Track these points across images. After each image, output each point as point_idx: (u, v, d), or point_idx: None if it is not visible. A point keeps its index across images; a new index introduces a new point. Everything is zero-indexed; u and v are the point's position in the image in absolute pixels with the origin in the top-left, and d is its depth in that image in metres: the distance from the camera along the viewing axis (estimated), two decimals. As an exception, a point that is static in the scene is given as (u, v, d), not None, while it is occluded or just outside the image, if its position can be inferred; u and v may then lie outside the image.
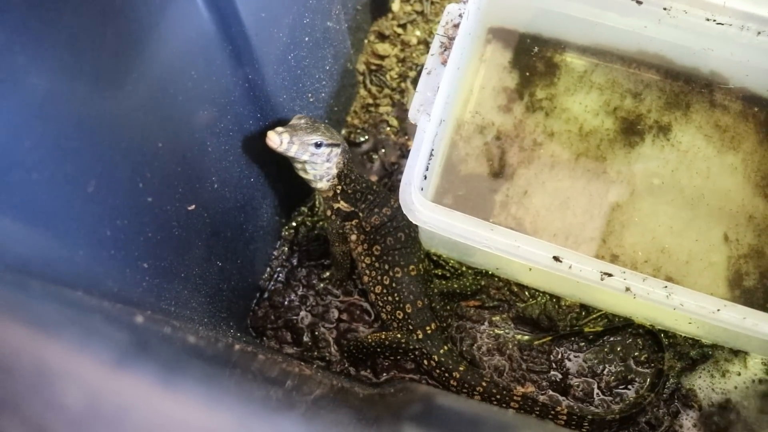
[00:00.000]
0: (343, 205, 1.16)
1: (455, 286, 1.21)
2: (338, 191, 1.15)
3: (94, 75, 0.70)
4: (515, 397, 1.10)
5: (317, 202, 1.31)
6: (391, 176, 1.32)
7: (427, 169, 1.07)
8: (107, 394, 0.36)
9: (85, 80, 0.69)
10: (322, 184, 1.14)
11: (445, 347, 1.13)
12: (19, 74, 0.60)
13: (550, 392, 1.16)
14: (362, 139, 1.35)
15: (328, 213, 1.18)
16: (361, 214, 1.16)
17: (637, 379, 1.16)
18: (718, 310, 0.97)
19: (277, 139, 1.03)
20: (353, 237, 1.17)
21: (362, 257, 1.17)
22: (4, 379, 0.35)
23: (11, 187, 0.64)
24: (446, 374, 1.12)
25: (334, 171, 1.13)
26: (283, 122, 1.08)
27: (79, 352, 0.38)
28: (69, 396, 0.35)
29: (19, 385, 0.35)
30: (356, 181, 1.16)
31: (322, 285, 1.26)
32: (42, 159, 0.66)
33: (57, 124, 0.67)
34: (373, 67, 1.41)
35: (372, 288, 1.16)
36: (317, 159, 1.09)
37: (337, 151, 1.11)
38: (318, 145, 1.08)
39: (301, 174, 1.13)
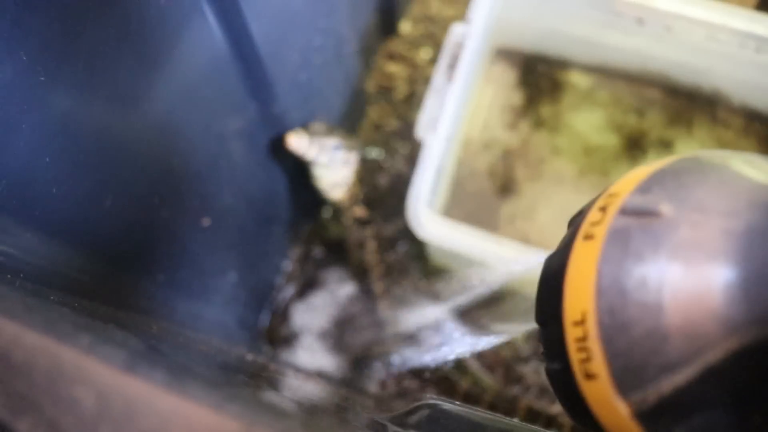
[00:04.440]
0: (359, 211, 1.17)
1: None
2: (355, 196, 1.17)
3: (111, 94, 0.72)
4: (519, 410, 1.11)
5: (329, 215, 1.33)
6: (401, 193, 1.34)
7: (434, 186, 1.09)
8: (117, 394, 0.37)
9: (103, 99, 0.71)
10: (339, 192, 1.16)
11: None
12: (40, 93, 0.63)
13: (555, 406, 1.17)
14: (372, 156, 1.37)
15: (344, 220, 1.19)
16: (376, 223, 1.17)
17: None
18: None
19: (296, 140, 1.05)
20: (369, 246, 1.19)
21: (376, 266, 1.19)
22: (21, 379, 0.37)
23: (32, 202, 0.66)
24: (452, 386, 1.13)
25: (352, 177, 1.15)
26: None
27: (92, 355, 0.40)
28: (81, 396, 0.37)
29: (34, 385, 0.37)
30: (373, 189, 1.18)
31: (334, 295, 1.27)
32: (61, 174, 0.68)
33: (76, 141, 0.69)
34: (383, 87, 1.44)
35: (385, 298, 1.18)
36: (336, 162, 1.11)
37: (354, 155, 1.14)
38: (336, 148, 1.10)
39: (317, 183, 1.14)
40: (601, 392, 0.39)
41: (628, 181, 0.43)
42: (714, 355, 0.35)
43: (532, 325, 0.49)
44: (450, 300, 1.01)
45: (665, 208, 0.38)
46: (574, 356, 0.40)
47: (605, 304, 0.38)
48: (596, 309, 0.39)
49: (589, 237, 0.41)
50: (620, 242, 0.39)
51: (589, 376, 0.39)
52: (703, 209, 0.37)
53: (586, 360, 0.39)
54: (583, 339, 0.39)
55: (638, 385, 0.37)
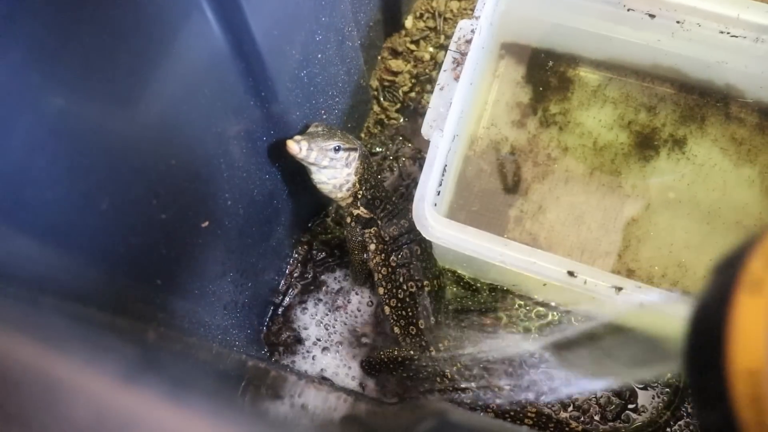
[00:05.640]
0: (362, 211, 1.16)
1: (470, 303, 1.21)
2: (359, 196, 1.15)
3: (108, 94, 0.70)
4: (529, 414, 1.09)
5: (330, 218, 1.31)
6: (406, 191, 1.33)
7: (440, 185, 1.07)
8: (114, 409, 0.36)
9: (100, 99, 0.70)
10: (342, 193, 1.14)
11: (458, 364, 1.13)
12: (33, 93, 0.61)
13: (564, 409, 1.15)
14: (377, 150, 1.36)
15: (348, 220, 1.18)
16: (379, 222, 1.16)
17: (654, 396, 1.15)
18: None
19: (296, 147, 1.04)
20: (372, 246, 1.17)
21: (379, 268, 1.17)
22: (13, 393, 0.36)
23: (26, 205, 0.65)
24: (459, 392, 1.11)
25: (354, 177, 1.14)
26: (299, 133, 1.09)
27: (88, 367, 0.38)
28: (76, 410, 0.35)
29: (28, 399, 0.35)
30: (376, 188, 1.17)
31: (336, 298, 1.26)
32: (56, 177, 0.66)
33: (71, 142, 0.67)
34: (387, 83, 1.42)
35: (387, 301, 1.16)
36: (336, 164, 1.10)
37: (355, 155, 1.12)
38: (336, 150, 1.08)
39: (321, 187, 1.13)
40: None
41: None
42: None
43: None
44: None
45: None
46: (744, 409, 0.38)
47: None
48: None
49: (757, 287, 0.39)
50: None
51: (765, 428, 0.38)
52: None
53: (762, 414, 0.38)
54: (757, 391, 0.38)
55: None
